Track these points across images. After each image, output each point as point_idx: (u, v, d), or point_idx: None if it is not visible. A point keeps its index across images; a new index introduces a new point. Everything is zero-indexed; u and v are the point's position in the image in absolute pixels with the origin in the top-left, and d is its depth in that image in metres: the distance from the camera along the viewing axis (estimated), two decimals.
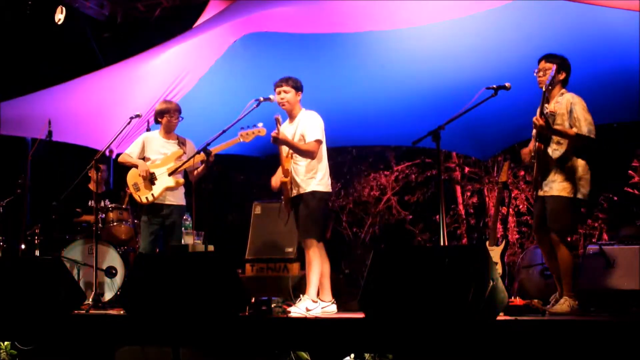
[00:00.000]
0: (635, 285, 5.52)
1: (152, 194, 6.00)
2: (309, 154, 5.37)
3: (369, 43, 6.42)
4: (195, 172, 6.01)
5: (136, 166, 6.06)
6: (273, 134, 5.29)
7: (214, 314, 4.52)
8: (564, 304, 4.91)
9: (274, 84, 5.49)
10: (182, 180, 6.12)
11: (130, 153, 6.17)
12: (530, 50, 5.60)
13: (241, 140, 5.69)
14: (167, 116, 6.12)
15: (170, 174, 6.00)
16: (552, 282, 5.31)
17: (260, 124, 5.56)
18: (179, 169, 5.97)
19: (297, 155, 5.42)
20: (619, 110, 6.54)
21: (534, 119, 4.98)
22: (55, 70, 8.18)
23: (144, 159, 6.19)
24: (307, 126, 5.40)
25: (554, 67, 4.96)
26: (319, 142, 5.38)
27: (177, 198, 6.15)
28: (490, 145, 7.85)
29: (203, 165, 5.91)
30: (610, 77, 6.01)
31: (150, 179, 5.99)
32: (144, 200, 6.03)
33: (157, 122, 6.17)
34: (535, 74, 5.13)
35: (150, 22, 8.88)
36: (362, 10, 6.01)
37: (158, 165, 6.08)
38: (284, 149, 5.44)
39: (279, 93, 5.46)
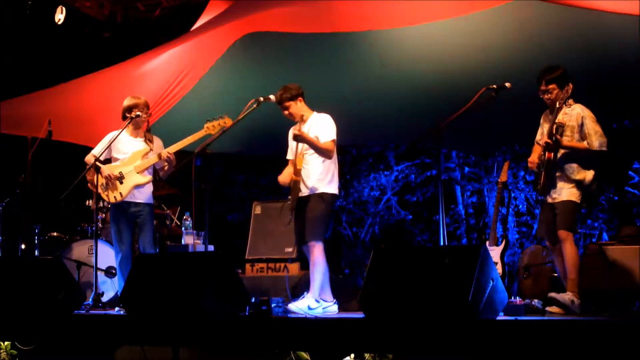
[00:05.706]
0: (635, 285, 5.53)
1: (120, 193, 5.87)
2: (327, 153, 5.36)
3: (369, 42, 6.42)
4: (161, 172, 5.95)
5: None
6: (295, 131, 5.31)
7: (213, 314, 4.52)
8: (565, 296, 4.94)
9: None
10: (150, 177, 5.96)
11: (96, 154, 5.99)
12: (530, 49, 5.60)
13: (207, 132, 5.65)
14: (135, 111, 5.93)
15: (138, 172, 5.90)
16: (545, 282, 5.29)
17: (225, 115, 5.63)
18: (147, 166, 5.88)
19: (308, 157, 5.41)
20: (619, 109, 6.54)
21: (541, 141, 5.04)
22: (55, 70, 8.18)
23: (110, 159, 6.06)
24: (321, 127, 5.40)
25: (560, 91, 4.99)
26: (334, 142, 5.38)
27: (146, 197, 5.98)
28: (490, 143, 7.86)
29: (167, 164, 5.85)
30: (610, 76, 6.01)
31: (118, 178, 5.90)
32: (113, 200, 5.90)
33: (124, 118, 5.98)
34: (540, 96, 5.14)
35: (150, 21, 8.88)
36: (361, 10, 6.01)
37: (125, 164, 5.94)
38: (298, 147, 5.41)
39: (284, 112, 5.46)
